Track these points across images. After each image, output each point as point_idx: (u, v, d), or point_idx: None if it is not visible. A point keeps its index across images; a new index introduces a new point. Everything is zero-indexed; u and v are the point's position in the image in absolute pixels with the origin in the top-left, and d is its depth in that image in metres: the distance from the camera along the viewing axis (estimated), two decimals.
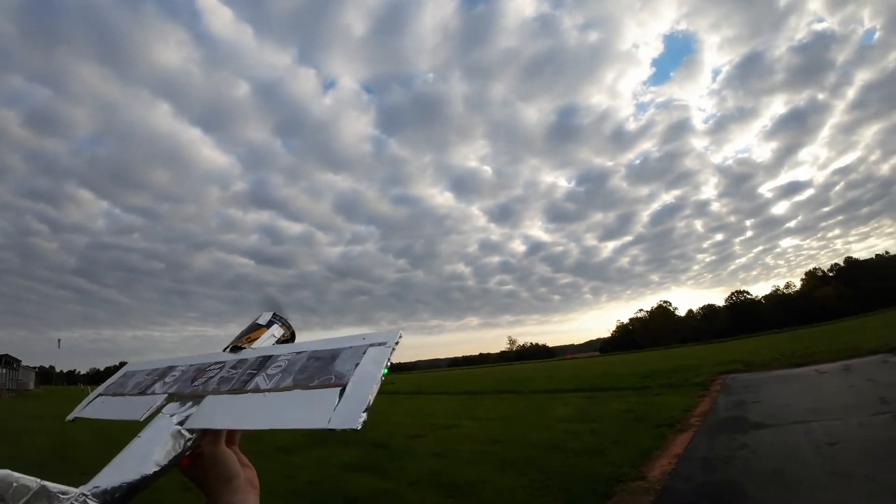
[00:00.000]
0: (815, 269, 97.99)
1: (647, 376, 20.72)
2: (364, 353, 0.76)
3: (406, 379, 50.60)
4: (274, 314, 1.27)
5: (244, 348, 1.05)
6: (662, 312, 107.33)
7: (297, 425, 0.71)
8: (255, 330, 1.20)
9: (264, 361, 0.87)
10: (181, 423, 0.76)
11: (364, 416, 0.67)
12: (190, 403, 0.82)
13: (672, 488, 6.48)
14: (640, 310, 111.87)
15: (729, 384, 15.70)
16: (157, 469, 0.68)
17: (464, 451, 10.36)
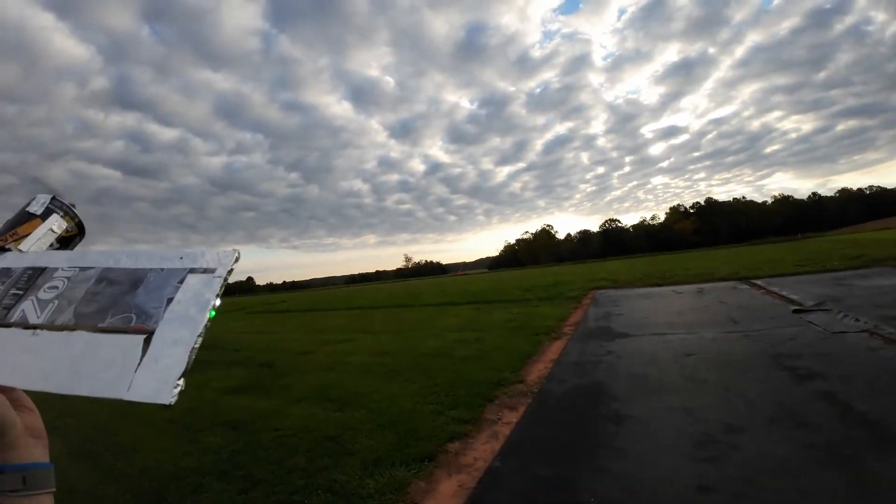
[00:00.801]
0: (678, 205, 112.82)
1: (529, 290, 22.52)
2: (182, 281, 0.54)
3: (299, 297, 49.41)
4: (53, 198, 0.91)
5: (8, 249, 0.74)
6: (545, 235, 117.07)
7: (75, 391, 0.49)
8: (25, 221, 0.82)
9: (34, 276, 0.62)
10: None
11: (180, 383, 0.49)
12: None
13: (547, 390, 7.09)
14: (526, 232, 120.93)
15: (598, 298, 17.63)
16: None
17: (354, 363, 10.38)
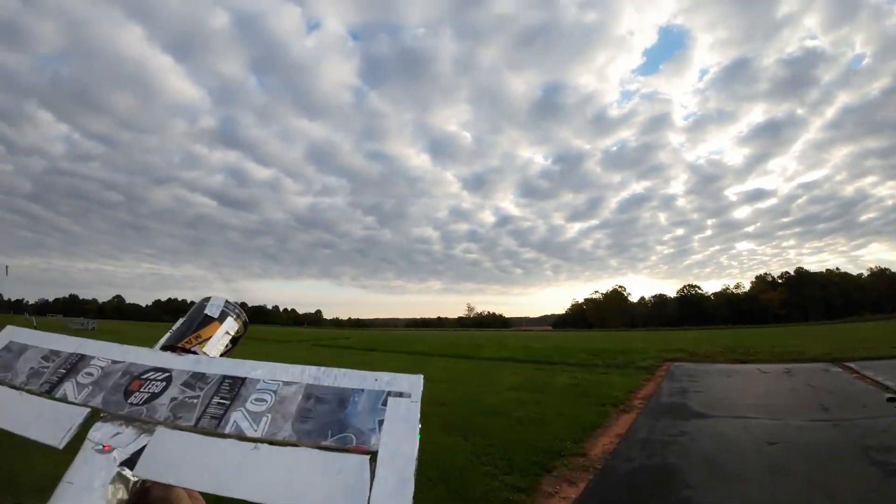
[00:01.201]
0: (765, 273, 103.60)
1: (596, 354, 21.31)
2: (384, 403, 0.58)
3: (362, 336, 50.60)
4: (227, 302, 0.93)
5: (193, 351, 0.77)
6: (616, 296, 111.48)
7: None
8: (205, 325, 0.85)
9: (236, 385, 0.62)
10: (126, 464, 0.54)
11: None
12: (130, 430, 0.58)
13: (612, 467, 6.50)
14: (596, 291, 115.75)
15: (673, 371, 16.25)
16: None
17: None
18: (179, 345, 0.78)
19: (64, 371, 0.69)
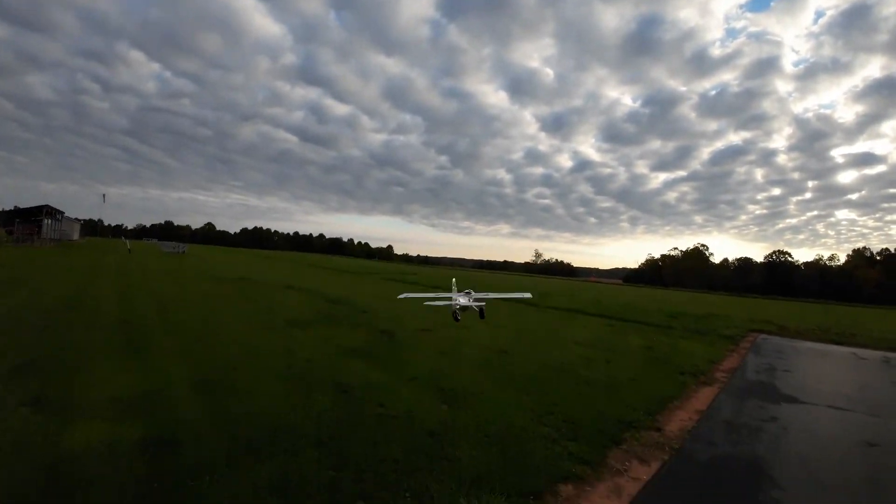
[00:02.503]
0: (864, 248, 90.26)
1: (674, 317, 19.77)
2: None
3: (429, 273, 51.55)
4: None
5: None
6: (697, 255, 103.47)
7: None
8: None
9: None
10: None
11: None
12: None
13: (691, 451, 5.75)
14: (675, 248, 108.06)
15: (760, 345, 14.64)
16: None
17: (469, 354, 9.96)
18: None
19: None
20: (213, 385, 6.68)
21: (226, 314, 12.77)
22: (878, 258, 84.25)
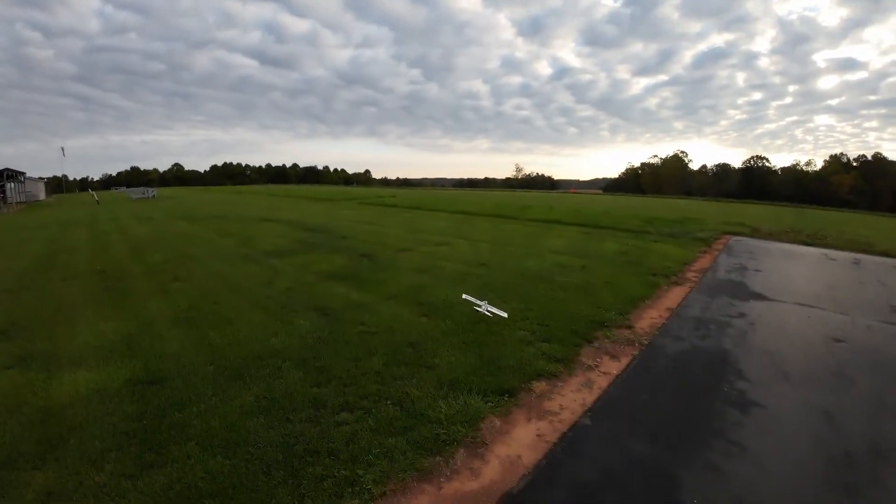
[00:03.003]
0: (841, 153, 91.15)
1: (649, 221, 20.18)
2: None
3: (408, 194, 50.81)
4: None
5: None
6: (676, 162, 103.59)
7: None
8: None
9: None
10: None
11: None
12: None
13: (660, 345, 6.06)
14: (655, 155, 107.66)
15: (732, 246, 15.09)
16: None
17: (448, 269, 10.08)
18: None
19: None
20: (195, 320, 6.65)
21: (202, 251, 12.51)
22: (854, 164, 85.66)
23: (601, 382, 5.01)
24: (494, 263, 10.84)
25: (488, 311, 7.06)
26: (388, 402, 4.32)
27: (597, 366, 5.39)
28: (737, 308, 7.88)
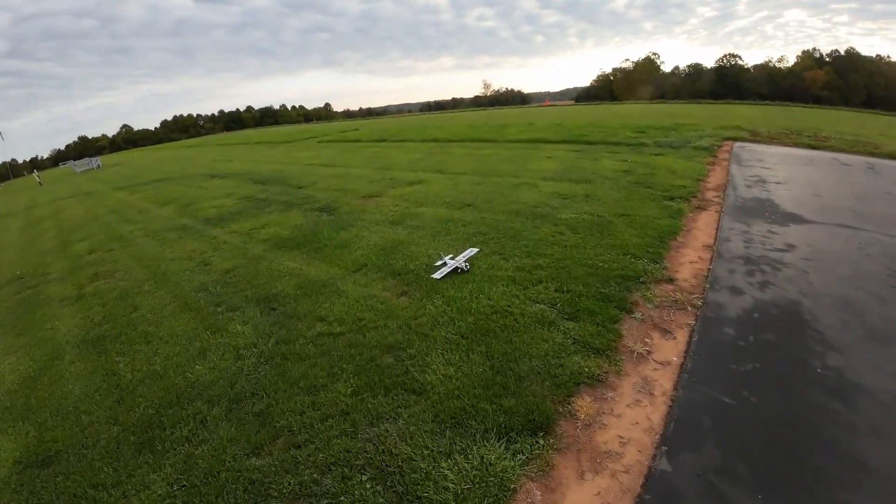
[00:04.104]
0: (813, 49, 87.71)
1: (642, 131, 18.24)
2: None
3: (372, 125, 46.68)
4: None
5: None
6: (649, 65, 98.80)
7: None
8: None
9: None
10: None
11: None
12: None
13: (715, 305, 4.61)
14: (626, 59, 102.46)
15: (738, 154, 13.52)
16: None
17: (427, 217, 8.30)
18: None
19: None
20: (105, 342, 5.02)
21: (135, 229, 10.51)
22: (827, 59, 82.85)
23: (662, 381, 3.55)
24: (481, 202, 9.07)
25: (463, 264, 5.56)
26: (364, 477, 2.77)
27: (649, 353, 3.91)
28: (779, 237, 6.47)
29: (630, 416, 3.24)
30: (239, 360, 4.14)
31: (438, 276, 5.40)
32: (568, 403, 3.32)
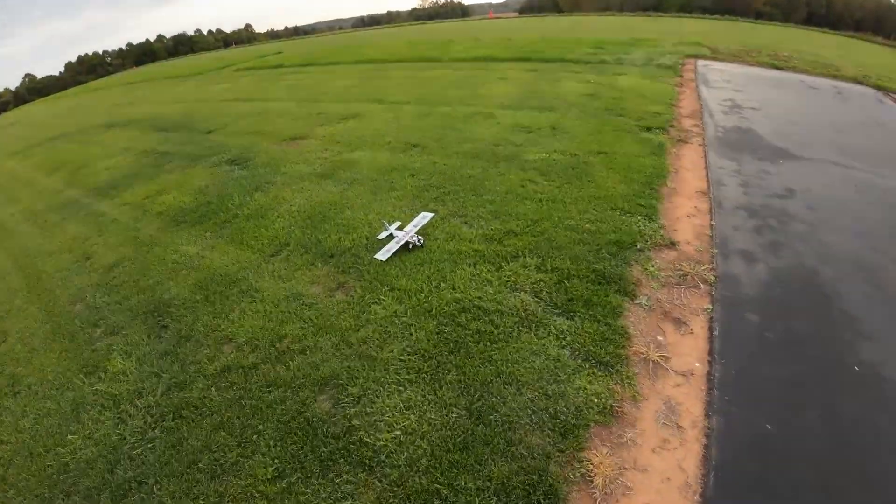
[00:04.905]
0: None
1: (600, 47, 16.69)
2: None
3: (296, 46, 40.93)
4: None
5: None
6: None
7: None
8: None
9: None
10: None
11: None
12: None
13: (729, 280, 3.81)
14: None
15: (704, 73, 12.57)
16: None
17: (364, 165, 6.84)
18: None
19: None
20: None
21: (15, 211, 8.50)
22: None
23: (689, 404, 2.71)
24: (430, 140, 7.65)
25: (414, 238, 4.37)
26: None
27: (666, 358, 3.03)
28: (774, 177, 5.79)
29: (659, 467, 2.38)
30: (120, 424, 2.90)
31: (384, 257, 4.17)
32: (579, 462, 2.38)
